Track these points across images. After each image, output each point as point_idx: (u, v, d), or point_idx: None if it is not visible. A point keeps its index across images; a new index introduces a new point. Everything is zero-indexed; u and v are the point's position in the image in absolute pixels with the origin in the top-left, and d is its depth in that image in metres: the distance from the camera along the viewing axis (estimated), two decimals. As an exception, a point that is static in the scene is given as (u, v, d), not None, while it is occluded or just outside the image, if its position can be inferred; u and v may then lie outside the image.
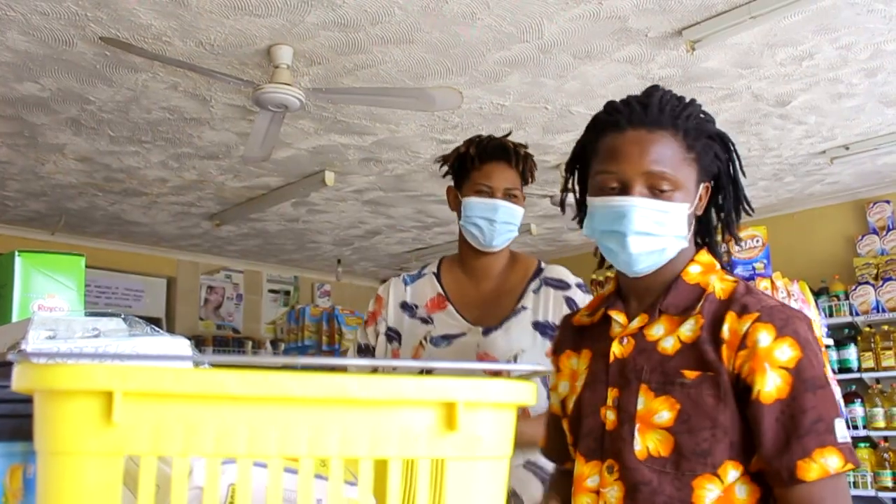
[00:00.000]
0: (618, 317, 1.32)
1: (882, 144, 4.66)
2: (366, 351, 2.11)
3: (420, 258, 7.41)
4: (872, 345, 5.17)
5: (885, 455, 5.01)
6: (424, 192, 5.53)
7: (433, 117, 4.14)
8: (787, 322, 1.17)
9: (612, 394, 1.27)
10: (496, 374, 1.89)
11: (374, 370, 1.90)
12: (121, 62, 3.46)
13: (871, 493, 4.96)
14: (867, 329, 5.25)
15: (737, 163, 1.33)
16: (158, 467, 0.69)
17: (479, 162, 1.97)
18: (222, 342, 7.46)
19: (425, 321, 2.03)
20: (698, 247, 1.34)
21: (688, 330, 1.23)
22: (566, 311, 1.91)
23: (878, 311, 5.22)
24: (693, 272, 1.29)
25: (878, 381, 5.17)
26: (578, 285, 2.02)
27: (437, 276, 2.10)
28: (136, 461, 0.61)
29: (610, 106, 1.30)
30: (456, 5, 3.02)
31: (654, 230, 1.23)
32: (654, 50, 3.42)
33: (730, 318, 1.20)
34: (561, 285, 2.00)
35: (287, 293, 8.31)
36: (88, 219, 6.19)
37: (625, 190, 1.24)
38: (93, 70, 3.54)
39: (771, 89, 3.88)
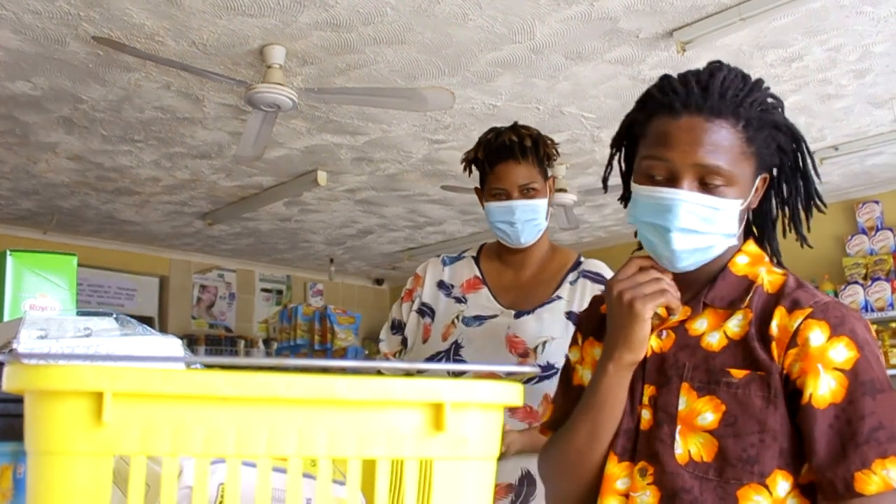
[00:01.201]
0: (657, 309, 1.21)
1: (871, 145, 4.68)
2: (398, 327, 2.13)
3: (412, 258, 7.42)
4: (862, 344, 5.20)
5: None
6: (416, 191, 5.53)
7: (425, 117, 4.14)
8: (843, 320, 1.08)
9: (648, 391, 1.17)
10: (524, 355, 1.92)
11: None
12: (113, 61, 3.45)
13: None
14: (857, 329, 5.27)
15: (807, 157, 1.21)
16: (149, 467, 0.70)
17: (489, 166, 1.98)
18: (215, 341, 7.45)
19: (459, 300, 2.04)
20: (747, 236, 1.24)
21: (735, 325, 1.14)
22: None
23: (867, 311, 5.25)
24: (741, 263, 1.19)
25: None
26: None
27: (476, 259, 2.12)
28: (127, 461, 0.62)
29: (667, 84, 1.16)
30: (448, 6, 3.03)
31: (701, 227, 1.12)
32: (644, 51, 3.43)
33: (779, 313, 1.10)
34: (599, 279, 2.00)
35: (279, 292, 8.31)
36: (81, 218, 6.17)
37: (673, 181, 1.12)
38: (85, 69, 3.53)
39: (761, 90, 3.89)
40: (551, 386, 1.84)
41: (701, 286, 1.19)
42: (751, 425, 1.07)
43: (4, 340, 0.95)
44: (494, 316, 1.99)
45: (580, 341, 1.36)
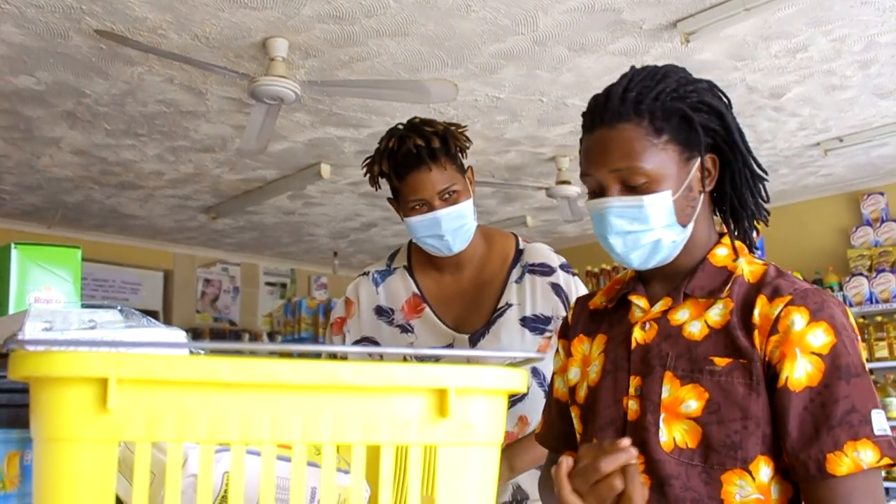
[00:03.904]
0: (639, 301, 1.24)
1: (876, 136, 4.67)
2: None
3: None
4: (866, 336, 5.19)
5: (879, 445, 5.04)
6: (420, 184, 5.52)
7: (429, 110, 4.14)
8: (822, 305, 1.10)
9: (634, 382, 1.19)
10: None
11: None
12: (116, 55, 3.45)
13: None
14: (861, 320, 5.27)
15: (733, 130, 1.21)
16: (154, 455, 0.70)
17: (398, 178, 1.76)
18: (219, 335, 7.47)
19: (405, 329, 1.87)
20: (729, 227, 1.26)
21: (716, 314, 1.16)
22: (554, 298, 1.82)
23: (871, 303, 5.24)
24: (720, 254, 1.22)
25: (871, 371, 5.19)
26: (562, 266, 1.86)
27: (409, 269, 1.93)
28: (132, 448, 0.62)
29: (590, 102, 1.23)
30: (451, -2, 3.02)
31: (635, 227, 1.16)
32: (648, 42, 3.42)
33: (761, 301, 1.13)
34: (545, 270, 1.85)
35: (283, 286, 8.32)
36: (85, 212, 6.18)
37: (603, 191, 1.18)
38: (88, 63, 3.53)
39: (765, 81, 3.89)
40: (524, 408, 1.79)
41: (682, 278, 1.22)
42: (734, 412, 1.10)
43: (10, 333, 0.95)
44: (449, 346, 1.82)
45: (566, 346, 1.39)
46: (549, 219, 6.55)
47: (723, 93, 1.26)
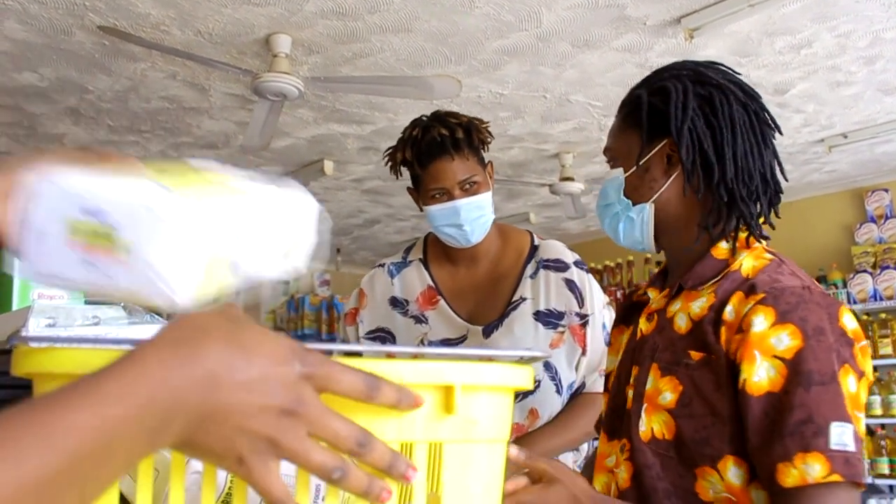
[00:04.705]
0: (651, 292, 1.28)
1: (880, 133, 4.66)
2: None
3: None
4: (870, 333, 5.19)
5: (882, 442, 5.04)
6: (423, 181, 5.53)
7: (432, 106, 4.11)
8: (794, 307, 1.04)
9: (633, 372, 1.22)
10: None
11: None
12: (119, 51, 3.45)
13: (868, 480, 4.98)
14: (865, 317, 5.26)
15: (678, 118, 1.19)
16: (158, 452, 0.69)
17: (421, 166, 1.79)
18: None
19: (419, 320, 1.89)
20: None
21: (697, 307, 1.15)
22: (567, 294, 1.83)
23: (875, 300, 5.23)
24: (723, 247, 1.19)
25: (875, 368, 5.18)
26: (576, 263, 1.89)
27: (425, 262, 1.95)
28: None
29: None
30: (454, -6, 3.02)
31: (603, 201, 1.31)
32: (652, 38, 3.41)
33: (736, 297, 1.10)
34: (559, 266, 1.86)
35: (286, 282, 8.32)
36: (87, 209, 6.19)
37: None
38: (91, 59, 3.53)
39: (769, 77, 3.88)
40: (535, 401, 1.80)
41: (685, 270, 1.22)
42: (703, 407, 1.09)
43: (13, 329, 0.95)
44: (463, 337, 1.84)
45: (613, 336, 1.44)
46: (553, 215, 6.55)
47: (720, 81, 1.23)
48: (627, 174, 1.24)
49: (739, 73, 1.31)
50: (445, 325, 1.87)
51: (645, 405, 1.16)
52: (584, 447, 1.89)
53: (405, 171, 1.86)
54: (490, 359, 0.75)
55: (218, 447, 0.52)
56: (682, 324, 1.17)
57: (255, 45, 3.41)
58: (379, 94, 3.77)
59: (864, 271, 5.33)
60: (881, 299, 5.21)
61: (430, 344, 1.85)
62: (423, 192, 1.82)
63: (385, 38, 3.38)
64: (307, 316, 6.44)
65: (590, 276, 1.89)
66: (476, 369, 0.65)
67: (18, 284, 1.17)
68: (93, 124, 4.37)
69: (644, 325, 1.25)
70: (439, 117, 1.82)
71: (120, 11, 3.10)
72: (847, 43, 3.52)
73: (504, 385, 0.67)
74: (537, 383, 1.78)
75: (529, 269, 1.87)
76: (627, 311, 1.38)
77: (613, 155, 1.28)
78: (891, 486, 5.02)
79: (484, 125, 1.86)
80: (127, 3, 3.04)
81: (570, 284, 1.85)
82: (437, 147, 1.76)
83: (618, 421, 1.23)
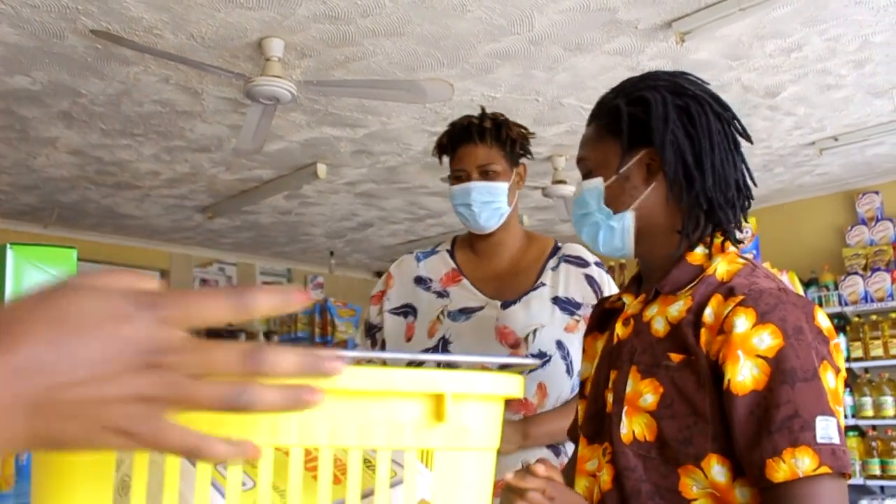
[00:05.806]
0: (626, 298, 1.30)
1: (871, 135, 4.68)
2: (371, 331, 2.08)
3: (412, 250, 7.42)
4: (861, 335, 5.21)
5: (873, 443, 5.06)
6: (416, 184, 5.53)
7: (424, 109, 4.14)
8: (773, 308, 1.08)
9: (611, 376, 1.24)
10: (515, 345, 1.92)
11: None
12: (112, 55, 3.45)
13: (859, 481, 5.00)
14: (856, 319, 5.29)
15: (657, 129, 1.24)
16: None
17: (451, 150, 1.97)
18: (215, 334, 7.39)
19: (441, 295, 2.00)
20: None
21: (675, 310, 1.18)
22: (586, 287, 1.94)
23: (866, 301, 5.26)
24: (698, 253, 1.22)
25: (866, 370, 5.21)
26: (597, 263, 2.00)
27: (451, 253, 2.08)
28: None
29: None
30: (447, -2, 3.03)
31: (581, 210, 1.31)
32: (643, 42, 3.43)
33: (715, 300, 1.13)
34: (580, 262, 1.98)
35: (280, 285, 8.32)
36: (81, 212, 6.18)
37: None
38: (84, 63, 3.53)
39: (760, 80, 3.89)
40: (544, 375, 1.87)
41: (662, 276, 1.24)
42: (685, 408, 1.11)
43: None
44: (481, 308, 1.94)
45: (587, 344, 1.45)
46: (545, 218, 6.56)
47: (695, 92, 1.25)
48: (608, 183, 1.26)
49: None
50: (465, 296, 1.98)
51: (626, 408, 1.18)
52: (569, 448, 1.92)
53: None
54: (482, 366, 0.76)
55: (86, 433, 0.47)
56: (659, 327, 1.20)
57: (248, 49, 3.41)
58: (372, 98, 3.77)
59: (856, 273, 5.36)
60: (872, 301, 5.24)
61: (449, 314, 1.95)
62: (451, 174, 1.98)
63: (378, 42, 3.39)
64: (301, 319, 6.43)
65: (609, 276, 2.00)
66: (467, 378, 0.66)
67: (10, 289, 1.17)
68: (85, 128, 4.36)
69: (620, 330, 1.27)
70: (482, 112, 2.00)
71: (112, 15, 3.10)
72: (837, 46, 3.55)
73: (494, 394, 0.68)
74: (548, 358, 1.86)
75: (551, 263, 1.99)
76: (601, 317, 1.41)
77: (590, 164, 1.29)
78: (882, 487, 5.04)
79: (525, 130, 2.02)
80: (119, 7, 3.05)
81: (590, 279, 1.96)
82: (464, 132, 1.95)
83: (598, 425, 1.25)
